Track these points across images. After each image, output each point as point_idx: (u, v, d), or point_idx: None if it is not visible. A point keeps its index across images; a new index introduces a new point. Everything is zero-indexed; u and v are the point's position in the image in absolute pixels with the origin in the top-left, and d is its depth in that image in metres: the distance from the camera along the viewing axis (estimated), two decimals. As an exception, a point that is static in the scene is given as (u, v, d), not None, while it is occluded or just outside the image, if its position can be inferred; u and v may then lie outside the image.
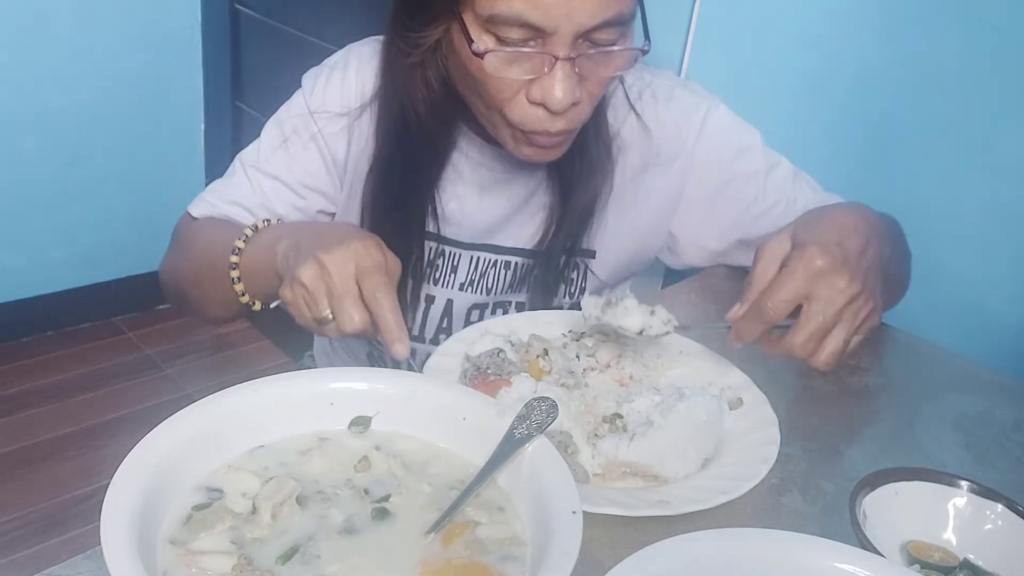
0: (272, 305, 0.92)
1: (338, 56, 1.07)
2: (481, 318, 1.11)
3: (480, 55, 0.84)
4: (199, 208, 1.06)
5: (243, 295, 0.91)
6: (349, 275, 0.78)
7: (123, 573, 0.50)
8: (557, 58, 0.83)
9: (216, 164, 2.75)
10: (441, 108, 0.97)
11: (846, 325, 0.81)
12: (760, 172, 1.07)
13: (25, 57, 2.36)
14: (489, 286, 1.09)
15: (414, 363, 0.87)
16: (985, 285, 1.13)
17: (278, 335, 2.68)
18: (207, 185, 1.10)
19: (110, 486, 0.56)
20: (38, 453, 2.22)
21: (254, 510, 0.61)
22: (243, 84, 2.67)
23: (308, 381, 0.70)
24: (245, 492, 0.62)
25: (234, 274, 0.90)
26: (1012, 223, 1.10)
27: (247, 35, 2.58)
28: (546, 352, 0.89)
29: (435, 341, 1.10)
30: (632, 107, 1.05)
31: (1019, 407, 0.98)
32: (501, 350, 0.89)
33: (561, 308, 1.10)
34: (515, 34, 0.83)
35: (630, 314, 0.86)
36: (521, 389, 0.80)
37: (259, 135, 1.09)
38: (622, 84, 1.05)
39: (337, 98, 1.04)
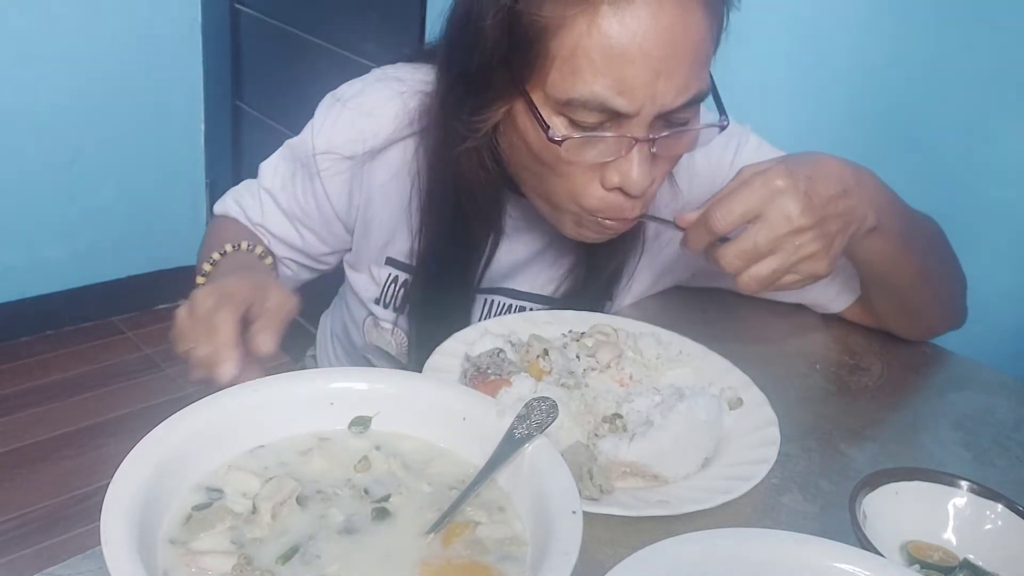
0: None
1: (355, 90, 1.02)
2: None
3: (558, 142, 0.80)
4: (220, 205, 1.11)
5: None
6: (208, 309, 0.73)
7: (123, 573, 0.50)
8: (636, 140, 0.80)
9: (216, 164, 2.76)
10: (494, 185, 0.94)
11: (782, 256, 0.77)
12: None
13: (25, 56, 2.36)
14: None
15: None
16: (985, 284, 1.13)
17: (278, 335, 2.68)
18: (206, 185, 1.12)
19: (110, 486, 0.56)
20: (38, 452, 2.22)
21: (254, 510, 0.61)
22: (243, 84, 2.67)
23: (308, 381, 0.70)
24: (245, 492, 0.62)
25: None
26: (1012, 223, 1.10)
27: (247, 35, 2.58)
28: (546, 352, 0.89)
29: None
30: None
31: (1019, 406, 0.98)
32: (501, 350, 0.89)
33: None
34: (592, 117, 0.79)
35: None
36: (521, 389, 0.80)
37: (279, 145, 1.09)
38: None
39: (345, 140, 0.99)
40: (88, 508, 2.06)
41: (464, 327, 0.95)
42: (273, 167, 1.07)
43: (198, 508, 0.60)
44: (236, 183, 1.13)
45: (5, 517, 2.02)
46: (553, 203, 0.88)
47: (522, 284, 1.06)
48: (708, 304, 1.11)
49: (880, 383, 1.00)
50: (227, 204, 1.10)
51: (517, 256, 1.04)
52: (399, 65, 1.03)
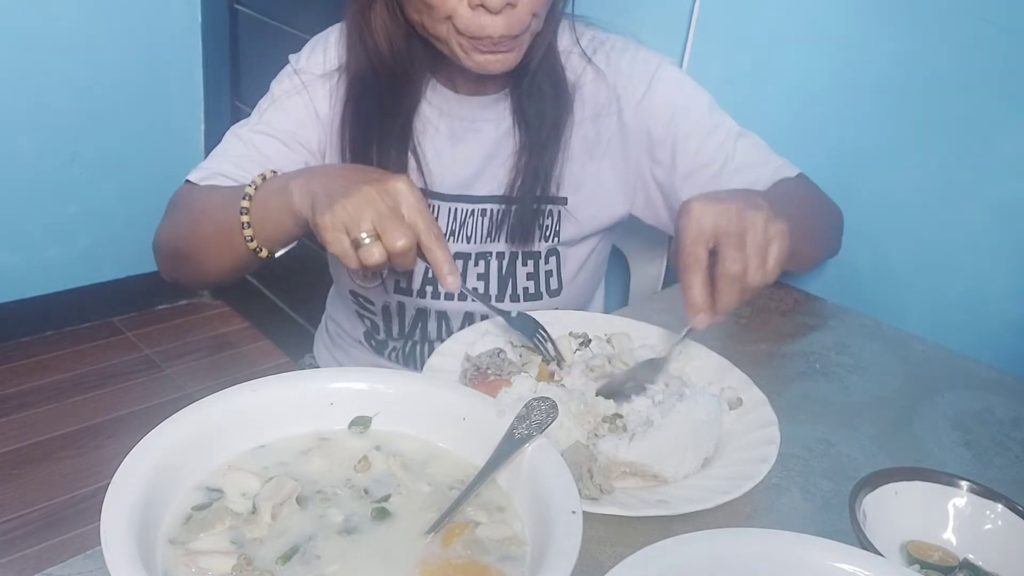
0: (278, 254, 0.95)
1: (323, 32, 1.16)
2: (464, 268, 1.13)
3: None
4: (196, 174, 1.10)
5: (251, 240, 0.93)
6: (396, 203, 0.83)
7: (123, 573, 0.50)
8: None
9: (215, 164, 2.75)
10: (402, 44, 1.04)
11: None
12: (702, 130, 1.10)
13: (25, 56, 2.36)
14: (469, 234, 1.13)
15: (466, 289, 0.96)
16: (984, 283, 1.13)
17: (278, 335, 2.68)
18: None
19: (110, 486, 0.56)
20: (37, 453, 2.21)
21: (254, 510, 0.61)
22: (242, 83, 2.67)
23: (308, 381, 0.70)
24: (245, 492, 0.62)
25: (244, 219, 0.93)
26: (1011, 222, 1.10)
27: (246, 34, 2.58)
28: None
29: (421, 293, 1.14)
30: (589, 59, 1.11)
31: (1018, 405, 0.98)
32: (501, 350, 0.89)
33: (539, 253, 1.14)
34: None
35: None
36: (521, 389, 0.80)
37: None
38: (579, 43, 1.11)
39: (319, 62, 1.13)
40: (88, 508, 2.05)
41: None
42: (246, 119, 1.12)
43: (198, 508, 0.60)
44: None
45: (5, 517, 2.02)
46: (439, 34, 0.98)
47: (480, 189, 1.13)
48: (708, 304, 1.11)
49: (880, 382, 1.00)
50: (205, 169, 1.10)
51: (472, 161, 1.12)
52: None
